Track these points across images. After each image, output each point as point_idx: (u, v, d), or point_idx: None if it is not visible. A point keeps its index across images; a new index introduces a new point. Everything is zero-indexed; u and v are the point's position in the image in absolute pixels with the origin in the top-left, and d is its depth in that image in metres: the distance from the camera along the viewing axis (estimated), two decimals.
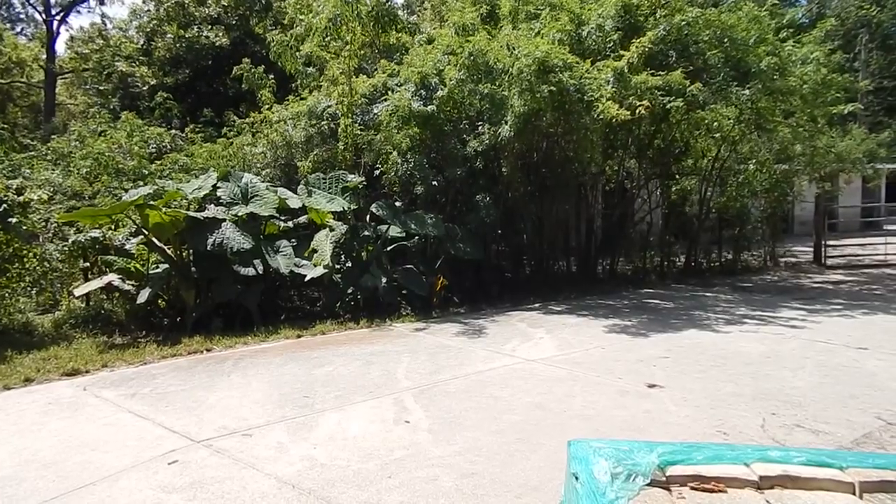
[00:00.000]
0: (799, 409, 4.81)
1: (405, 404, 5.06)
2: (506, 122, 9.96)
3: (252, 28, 18.03)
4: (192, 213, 8.75)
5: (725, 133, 12.72)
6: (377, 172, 10.80)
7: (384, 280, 9.18)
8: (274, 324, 8.55)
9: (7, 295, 8.75)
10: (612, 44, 10.72)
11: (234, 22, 18.22)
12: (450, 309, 9.75)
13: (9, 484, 3.66)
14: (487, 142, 10.36)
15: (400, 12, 12.99)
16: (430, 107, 10.17)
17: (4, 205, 8.15)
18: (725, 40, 10.89)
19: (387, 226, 9.93)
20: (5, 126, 15.34)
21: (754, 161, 14.18)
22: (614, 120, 9.43)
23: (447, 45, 11.11)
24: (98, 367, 6.48)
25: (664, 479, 2.14)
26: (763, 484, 2.06)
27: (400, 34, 12.93)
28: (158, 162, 11.81)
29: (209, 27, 17.81)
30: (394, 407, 5.00)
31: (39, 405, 5.28)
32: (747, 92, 10.55)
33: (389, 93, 10.88)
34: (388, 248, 10.07)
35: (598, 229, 13.64)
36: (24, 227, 8.67)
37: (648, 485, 2.11)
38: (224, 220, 8.84)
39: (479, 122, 10.75)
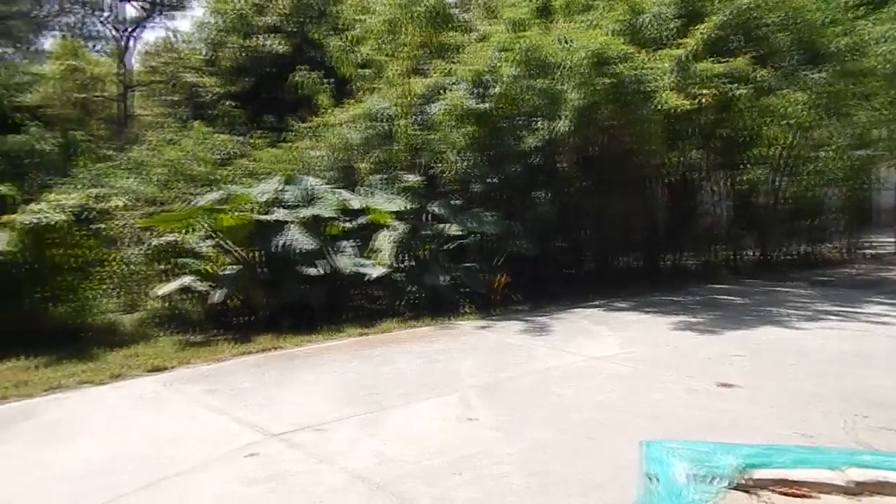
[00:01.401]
0: (888, 411, 4.55)
1: (470, 402, 5.09)
2: (562, 117, 9.84)
3: (309, 34, 18.52)
4: (258, 217, 9.09)
5: (797, 119, 12.11)
6: (434, 171, 10.89)
7: (444, 278, 9.26)
8: (338, 322, 8.77)
9: (92, 297, 9.33)
10: (671, 32, 10.40)
11: (293, 29, 18.80)
12: (510, 306, 9.72)
13: (103, 473, 3.90)
14: (544, 137, 10.26)
15: (453, 10, 13.02)
16: (485, 104, 10.17)
17: (92, 212, 8.69)
18: (794, 22, 10.36)
19: (446, 224, 10.00)
20: (91, 138, 16.36)
21: (829, 148, 13.43)
22: (675, 110, 9.15)
23: (500, 41, 11.07)
24: (178, 364, 6.83)
25: (746, 482, 2.08)
26: (857, 490, 1.97)
27: (454, 33, 12.98)
28: (226, 168, 12.32)
29: (270, 35, 18.49)
30: (459, 404, 5.05)
31: (127, 400, 5.62)
32: (821, 75, 10.01)
33: (444, 92, 10.94)
34: (448, 247, 10.13)
35: (661, 223, 13.27)
36: (107, 233, 9.23)
37: (729, 488, 2.05)
38: (289, 222, 9.13)
39: (534, 118, 10.67)
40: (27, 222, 8.31)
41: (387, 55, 12.45)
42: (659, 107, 9.28)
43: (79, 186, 11.67)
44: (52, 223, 8.38)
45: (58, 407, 5.51)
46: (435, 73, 11.80)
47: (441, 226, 10.07)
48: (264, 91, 17.33)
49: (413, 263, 9.84)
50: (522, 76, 10.21)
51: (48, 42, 23.70)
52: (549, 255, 11.24)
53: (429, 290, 9.34)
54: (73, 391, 6.03)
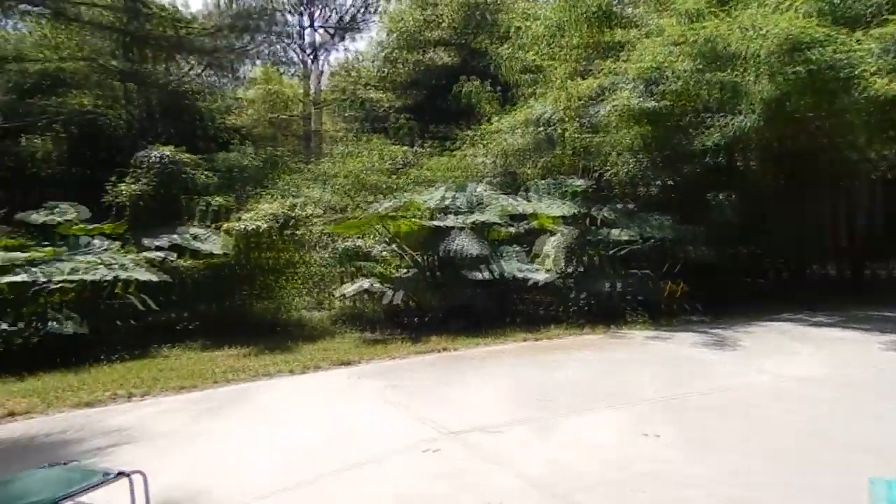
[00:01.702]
0: None
1: (646, 416, 4.87)
2: (746, 112, 9.02)
3: (474, 45, 19.09)
4: (427, 223, 9.55)
5: None
6: (601, 175, 10.59)
7: (612, 285, 8.97)
8: (503, 326, 8.89)
9: (287, 295, 10.49)
10: (874, 7, 9.02)
11: (459, 41, 19.56)
12: (683, 316, 9.12)
13: (303, 453, 4.35)
14: (725, 134, 9.48)
15: (618, 8, 12.57)
16: (657, 102, 9.67)
17: (291, 219, 9.80)
18: None
19: (614, 229, 9.68)
20: (285, 153, 18.46)
21: None
22: (885, 97, 7.93)
23: (673, 34, 10.43)
24: (362, 359, 7.42)
25: None
26: None
27: (620, 31, 12.52)
28: (398, 176, 13.13)
29: (438, 49, 19.42)
30: (634, 418, 4.85)
31: (321, 389, 6.23)
32: None
33: (611, 92, 10.60)
34: (616, 253, 9.79)
35: (867, 227, 11.56)
36: (300, 238, 10.33)
37: None
38: (455, 227, 9.47)
39: (713, 115, 9.89)
40: (240, 229, 9.61)
41: (551, 59, 12.39)
42: (864, 94, 8.11)
43: (276, 196, 13.23)
44: (259, 229, 9.61)
45: (264, 391, 6.28)
46: (601, 73, 11.48)
47: (609, 231, 9.77)
48: (432, 102, 18.21)
49: (580, 269, 9.66)
50: (699, 70, 9.54)
51: (251, 70, 27.17)
52: (731, 262, 10.34)
53: (595, 297, 9.11)
54: (276, 379, 6.83)
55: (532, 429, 4.72)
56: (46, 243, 10.33)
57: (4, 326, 8.40)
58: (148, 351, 8.93)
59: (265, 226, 9.62)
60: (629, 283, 9.23)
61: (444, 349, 7.76)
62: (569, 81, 11.00)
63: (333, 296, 10.96)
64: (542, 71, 12.92)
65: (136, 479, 3.48)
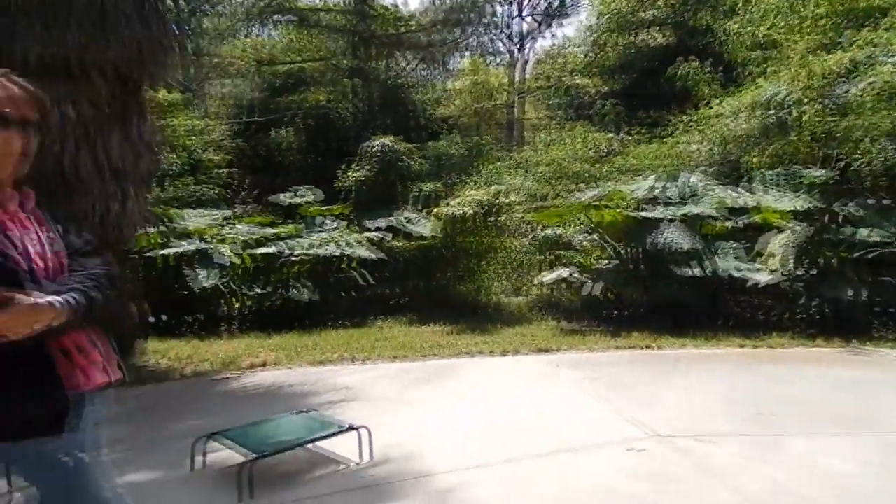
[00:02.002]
0: None
1: None
2: None
3: (693, 22, 17.63)
4: (634, 213, 9.13)
5: None
6: (846, 164, 9.11)
7: (858, 293, 7.70)
8: (713, 329, 8.20)
9: (487, 280, 10.87)
10: None
11: (675, 20, 18.23)
12: None
13: (499, 433, 4.48)
14: None
15: None
16: None
17: (494, 206, 10.15)
18: None
19: (862, 228, 8.28)
20: (488, 142, 19.09)
21: None
22: None
23: None
24: (559, 348, 7.43)
25: None
26: None
27: None
28: (602, 165, 12.75)
29: (651, 30, 18.35)
30: (884, 450, 4.14)
31: (519, 373, 6.39)
32: None
33: (865, 68, 9.00)
34: (864, 255, 8.39)
35: None
36: (502, 225, 10.62)
37: None
38: (665, 219, 8.92)
39: None
40: (448, 213, 10.21)
41: (789, 32, 10.91)
42: None
43: (480, 184, 13.74)
44: (465, 215, 10.10)
45: (466, 369, 6.62)
46: (853, 46, 9.80)
47: (855, 230, 8.38)
48: (642, 87, 17.29)
49: (813, 272, 8.47)
50: None
51: (460, 62, 28.45)
52: None
53: (832, 305, 7.92)
54: (477, 358, 7.15)
55: (750, 444, 4.29)
56: (290, 221, 12.05)
57: (258, 290, 10.01)
58: (365, 321, 9.98)
59: (470, 211, 10.07)
60: (879, 292, 7.85)
61: (646, 346, 7.40)
62: (810, 57, 9.60)
63: (531, 283, 11.10)
64: (776, 46, 11.47)
65: (363, 433, 3.93)
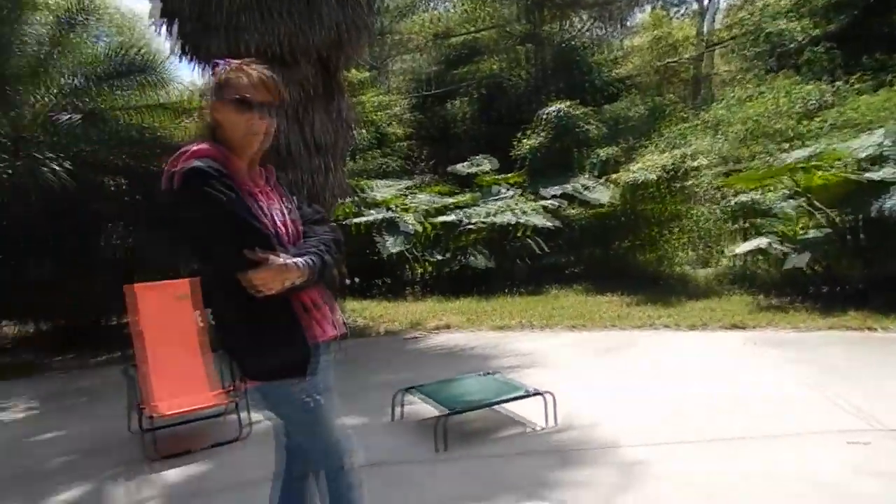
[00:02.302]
0: None
1: None
2: None
3: None
4: (853, 175, 7.89)
5: None
6: None
7: None
8: None
9: (670, 249, 10.23)
10: None
11: None
12: None
13: (699, 414, 4.22)
14: None
15: None
16: None
17: (678, 170, 9.46)
18: None
19: None
20: (671, 101, 17.73)
21: None
22: None
23: None
24: (755, 325, 6.78)
25: None
26: None
27: None
28: (812, 121, 11.15)
29: None
30: None
31: (709, 349, 5.95)
32: None
33: None
34: None
35: None
36: (687, 191, 9.86)
37: None
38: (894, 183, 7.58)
39: None
40: (627, 179, 9.75)
41: None
42: None
43: (662, 147, 12.84)
44: (646, 180, 9.56)
45: (649, 342, 6.35)
46: None
47: None
48: (863, 27, 14.61)
49: None
50: None
51: (639, 17, 26.61)
52: None
53: None
54: (661, 331, 6.82)
55: None
56: (466, 190, 12.42)
57: (439, 257, 10.53)
58: (541, 289, 10.00)
59: (653, 177, 9.50)
60: None
61: (868, 328, 6.43)
62: None
63: (721, 253, 10.22)
64: None
65: (548, 398, 3.98)
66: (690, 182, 9.75)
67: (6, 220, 6.50)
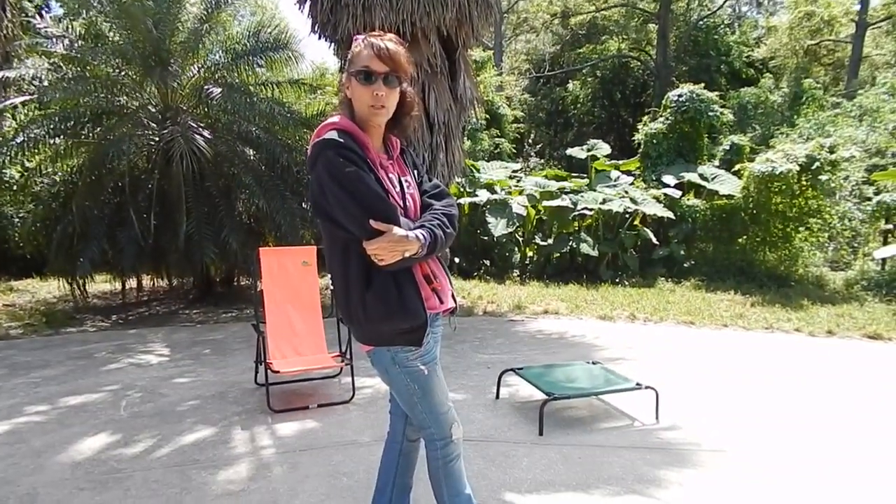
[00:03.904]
0: None
1: None
2: None
3: None
4: None
5: None
6: None
7: None
8: None
9: (806, 248, 9.37)
10: None
11: None
12: None
13: (789, 422, 3.88)
14: None
15: None
16: None
17: (818, 163, 8.61)
18: None
19: None
20: (818, 85, 16.12)
21: None
22: None
23: None
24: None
25: None
26: None
27: None
28: None
29: None
30: None
31: (841, 360, 5.42)
32: None
33: None
34: None
35: None
36: (828, 185, 8.95)
37: None
38: None
39: None
40: (756, 170, 9.01)
41: None
42: None
43: (802, 136, 11.73)
44: (777, 172, 8.79)
45: (772, 345, 5.89)
46: None
47: None
48: None
49: None
50: None
51: None
52: None
53: None
54: (783, 336, 6.31)
55: None
56: (580, 175, 12.09)
57: (548, 241, 10.39)
58: (650, 280, 9.59)
59: (792, 167, 8.70)
60: None
61: None
62: None
63: (864, 255, 9.23)
64: None
65: (652, 393, 3.84)
66: (831, 176, 8.80)
67: (151, 183, 7.23)
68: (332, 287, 1.97)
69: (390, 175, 1.92)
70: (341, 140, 1.79)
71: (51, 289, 9.15)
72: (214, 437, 3.56)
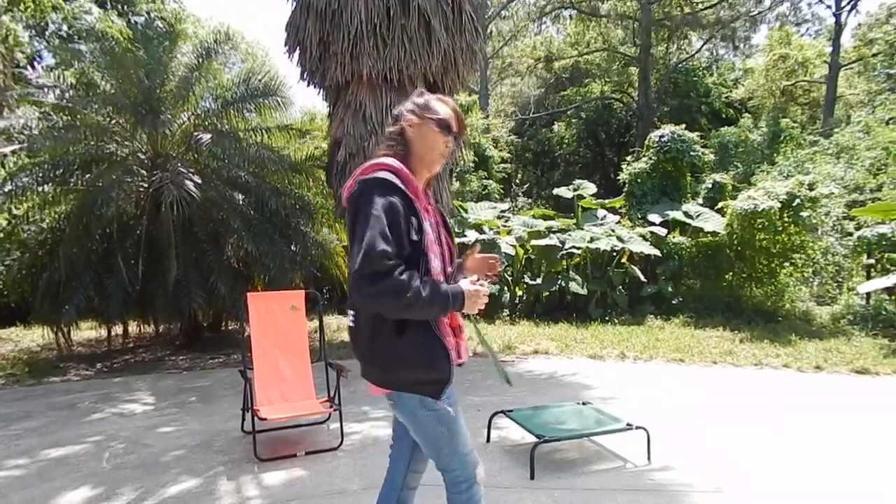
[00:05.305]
0: None
1: None
2: None
3: None
4: None
5: None
6: None
7: None
8: None
9: (791, 283, 9.47)
10: None
11: None
12: None
13: (781, 459, 3.87)
14: None
15: None
16: None
17: (798, 199, 8.79)
18: None
19: None
20: (795, 126, 16.57)
21: None
22: None
23: None
24: (885, 371, 6.13)
25: None
26: None
27: None
28: None
29: None
30: None
31: (829, 395, 5.43)
32: None
33: None
34: None
35: None
36: (809, 220, 9.11)
37: None
38: None
39: None
40: (738, 207, 9.17)
41: None
42: None
43: (782, 173, 12.00)
44: (758, 209, 8.95)
45: (761, 381, 5.89)
46: None
47: None
48: None
49: None
50: None
51: (757, 36, 25.25)
52: None
53: None
54: (772, 372, 6.33)
55: None
56: (562, 215, 12.23)
57: (538, 280, 10.42)
58: (639, 318, 9.62)
59: (765, 205, 8.88)
60: None
61: None
62: None
63: (848, 290, 9.34)
64: None
65: (642, 434, 3.82)
66: (811, 212, 8.97)
67: (140, 228, 7.23)
68: (351, 325, 1.93)
69: (430, 220, 1.95)
70: (391, 180, 1.82)
71: (34, 337, 9.01)
72: (199, 489, 3.48)
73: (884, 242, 8.42)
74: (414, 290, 1.70)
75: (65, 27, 13.88)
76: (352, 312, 1.94)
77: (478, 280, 1.92)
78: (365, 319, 1.87)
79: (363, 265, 1.66)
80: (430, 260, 1.85)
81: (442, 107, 1.96)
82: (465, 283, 1.86)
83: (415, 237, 1.80)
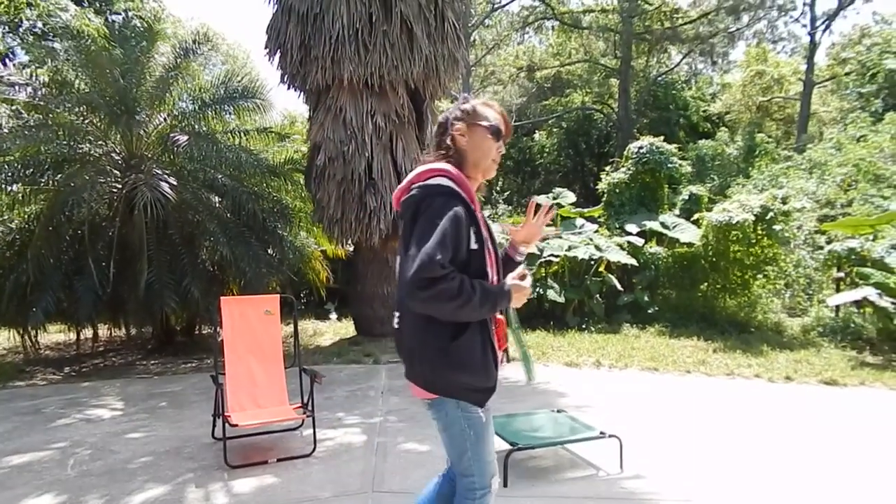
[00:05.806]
0: None
1: None
2: None
3: None
4: None
5: None
6: None
7: None
8: None
9: (764, 295, 9.63)
10: None
11: None
12: None
13: (753, 469, 3.92)
14: None
15: None
16: None
17: (771, 213, 8.96)
18: None
19: None
20: (770, 141, 16.91)
21: None
22: None
23: None
24: (852, 383, 6.26)
25: None
26: None
27: None
28: None
29: None
30: None
31: (801, 406, 5.52)
32: None
33: None
34: None
35: None
36: (782, 234, 9.29)
37: None
38: None
39: None
40: (713, 219, 9.33)
41: None
42: None
43: (757, 187, 12.24)
44: (733, 221, 9.11)
45: (735, 391, 5.97)
46: None
47: None
48: None
49: None
50: None
51: (735, 52, 25.78)
52: None
53: None
54: (744, 382, 6.42)
55: None
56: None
57: None
58: (614, 326, 9.69)
59: (739, 218, 9.04)
60: None
61: None
62: None
63: (815, 302, 9.53)
64: None
65: (615, 442, 3.84)
66: (781, 225, 9.15)
67: (112, 230, 7.09)
68: (396, 327, 1.93)
69: (483, 227, 1.96)
70: (451, 186, 1.83)
71: (0, 340, 8.77)
72: (166, 497, 3.41)
73: (853, 256, 8.62)
74: (466, 293, 1.72)
75: (39, 24, 13.64)
76: (397, 314, 1.94)
77: (523, 275, 1.95)
78: (411, 321, 1.86)
79: (420, 270, 1.68)
80: (486, 265, 1.88)
81: (490, 112, 1.97)
82: (510, 279, 1.89)
83: (474, 245, 1.83)
